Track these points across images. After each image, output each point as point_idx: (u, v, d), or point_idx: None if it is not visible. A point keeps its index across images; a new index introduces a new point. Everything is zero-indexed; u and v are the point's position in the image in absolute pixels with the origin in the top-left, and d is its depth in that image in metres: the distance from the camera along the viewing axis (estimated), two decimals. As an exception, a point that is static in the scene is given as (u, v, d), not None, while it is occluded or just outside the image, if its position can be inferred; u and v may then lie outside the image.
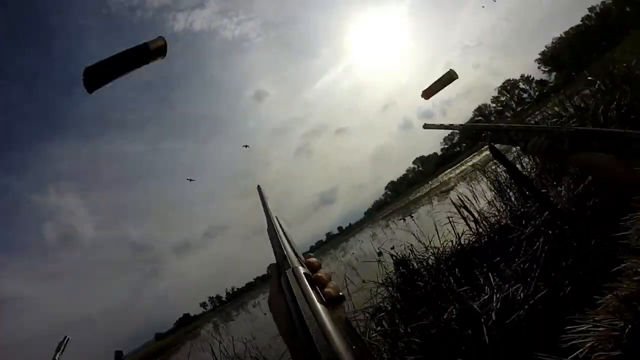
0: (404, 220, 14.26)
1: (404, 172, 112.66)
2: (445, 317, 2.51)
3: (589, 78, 5.04)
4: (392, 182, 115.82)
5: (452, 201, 4.27)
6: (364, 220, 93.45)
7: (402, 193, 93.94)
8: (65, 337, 1.97)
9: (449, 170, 45.93)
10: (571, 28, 60.65)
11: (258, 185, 0.82)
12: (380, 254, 4.92)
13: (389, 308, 3.30)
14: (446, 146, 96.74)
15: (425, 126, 1.76)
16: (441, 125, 1.71)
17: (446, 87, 2.21)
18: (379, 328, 2.98)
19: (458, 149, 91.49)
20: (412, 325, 2.62)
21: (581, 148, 1.19)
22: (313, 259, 0.54)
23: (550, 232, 2.67)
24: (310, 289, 0.45)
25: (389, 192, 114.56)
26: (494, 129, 1.48)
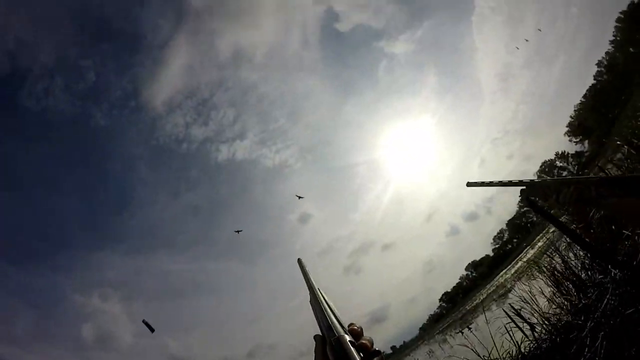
0: (462, 332, 13.76)
1: (458, 280, 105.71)
2: None
3: (617, 143, 5.17)
4: (445, 293, 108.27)
5: (504, 311, 4.08)
6: (419, 337, 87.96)
7: (458, 303, 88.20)
8: None
9: (504, 272, 43.59)
10: (587, 90, 59.76)
11: (299, 259, 0.84)
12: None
13: None
14: (497, 246, 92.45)
15: (469, 184, 1.84)
16: (482, 182, 1.78)
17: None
18: None
19: (510, 246, 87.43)
20: None
21: (608, 195, 1.27)
22: (355, 326, 0.57)
23: (611, 321, 2.50)
24: (355, 355, 0.48)
25: (444, 304, 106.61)
26: (528, 185, 1.58)
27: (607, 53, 54.04)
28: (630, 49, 45.51)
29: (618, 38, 50.72)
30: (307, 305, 0.69)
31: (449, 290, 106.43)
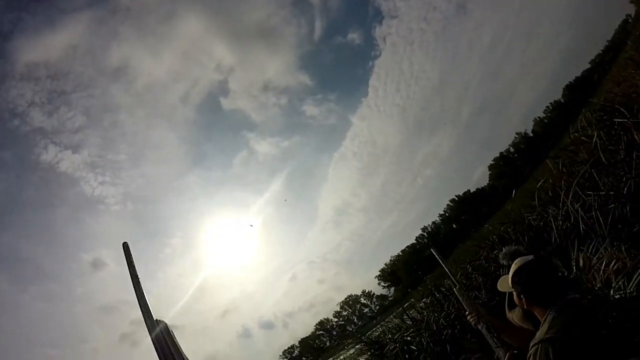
0: None
1: None
2: None
3: (421, 293, 6.24)
4: None
5: None
6: None
7: None
8: None
9: None
10: (407, 246, 73.32)
11: (125, 243, 0.81)
12: None
13: None
14: (286, 358, 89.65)
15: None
16: None
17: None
18: None
19: None
20: None
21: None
22: None
23: None
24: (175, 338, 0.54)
25: None
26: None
27: (434, 222, 71.05)
28: (454, 225, 63.28)
29: (447, 214, 68.62)
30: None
31: None
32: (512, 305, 2.23)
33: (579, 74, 56.88)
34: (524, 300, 1.65)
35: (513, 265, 1.74)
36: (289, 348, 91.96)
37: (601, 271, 2.76)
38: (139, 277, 0.69)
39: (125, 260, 0.76)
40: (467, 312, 2.26)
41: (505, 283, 1.80)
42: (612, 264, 2.74)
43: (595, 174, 3.92)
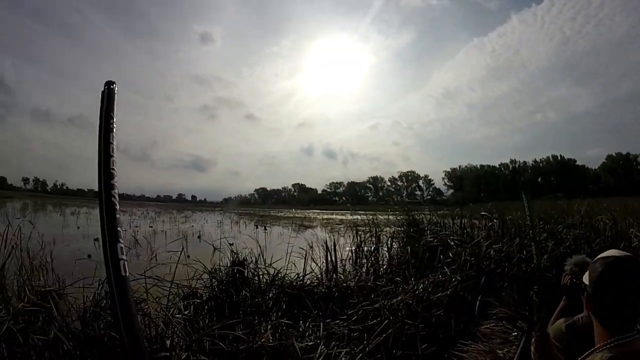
0: (257, 227, 13.93)
1: (280, 188, 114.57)
2: (262, 339, 2.34)
3: (482, 213, 5.27)
4: (263, 189, 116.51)
5: (308, 241, 4.22)
6: (218, 204, 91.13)
7: (267, 204, 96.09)
8: None
9: (318, 211, 46.02)
10: (488, 165, 71.02)
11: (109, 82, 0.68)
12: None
13: (204, 298, 3.14)
14: (329, 190, 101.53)
15: None
16: None
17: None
18: (186, 312, 2.83)
19: (337, 199, 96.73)
20: (218, 327, 2.42)
21: None
22: None
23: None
24: None
25: (256, 196, 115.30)
26: None
27: (524, 162, 68.41)
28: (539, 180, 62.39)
29: (541, 165, 65.77)
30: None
31: (268, 189, 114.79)
32: (565, 313, 1.83)
33: None
34: (591, 306, 1.17)
35: (601, 256, 1.20)
36: (336, 183, 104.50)
37: None
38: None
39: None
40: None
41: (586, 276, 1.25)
42: None
43: None
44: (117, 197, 0.60)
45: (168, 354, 2.02)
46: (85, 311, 2.30)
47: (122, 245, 0.59)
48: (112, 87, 0.66)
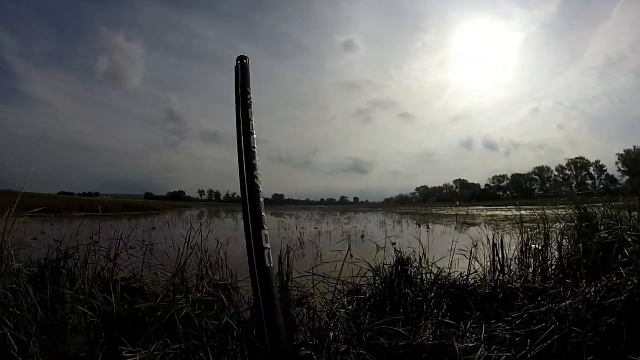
0: (419, 226, 13.06)
1: (441, 185, 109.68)
2: (422, 337, 2.27)
3: None
4: (424, 187, 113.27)
5: (472, 240, 3.91)
6: (380, 205, 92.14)
7: (429, 202, 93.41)
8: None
9: (482, 208, 41.78)
10: None
11: (242, 56, 0.65)
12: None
13: (367, 295, 3.09)
14: (492, 185, 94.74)
15: None
16: None
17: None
18: (349, 307, 2.84)
19: (501, 193, 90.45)
20: (380, 323, 2.38)
21: None
22: None
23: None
24: None
25: (417, 194, 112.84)
26: None
27: None
28: None
29: None
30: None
31: (429, 187, 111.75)
32: None
33: None
34: None
35: None
36: (499, 176, 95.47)
37: None
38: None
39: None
40: None
41: None
42: None
43: None
44: (260, 178, 0.54)
45: (310, 351, 2.08)
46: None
47: (267, 233, 0.52)
48: (244, 61, 0.62)
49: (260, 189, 0.55)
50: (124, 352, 1.75)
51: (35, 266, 2.63)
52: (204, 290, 2.61)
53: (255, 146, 0.57)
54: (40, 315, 2.09)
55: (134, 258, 3.01)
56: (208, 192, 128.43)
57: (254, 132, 0.58)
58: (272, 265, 0.51)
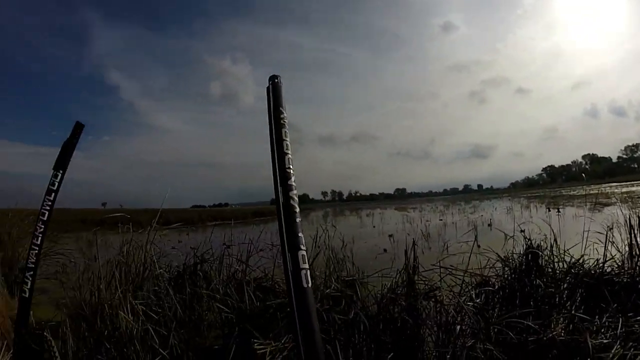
0: (549, 210, 12.75)
1: (569, 162, 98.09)
2: (553, 332, 2.16)
3: None
4: (551, 167, 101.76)
5: (607, 222, 3.41)
6: (506, 190, 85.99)
7: (557, 182, 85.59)
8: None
9: (616, 184, 36.97)
10: None
11: (275, 75, 0.63)
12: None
13: (496, 286, 2.96)
14: (625, 156, 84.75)
15: None
16: None
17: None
18: (477, 300, 2.74)
19: (635, 165, 79.16)
20: (508, 316, 2.31)
21: None
22: None
23: None
24: None
25: (544, 175, 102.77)
26: None
27: None
28: None
29: None
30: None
31: (556, 165, 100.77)
32: None
33: None
34: None
35: None
36: (632, 145, 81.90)
37: None
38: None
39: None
40: None
41: None
42: None
43: None
44: (296, 199, 0.54)
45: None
46: (382, 297, 2.58)
47: (304, 253, 0.52)
48: (276, 81, 0.62)
49: (297, 210, 0.55)
50: (255, 344, 1.92)
51: (175, 271, 3.03)
52: (332, 286, 2.72)
53: (291, 166, 0.58)
54: (179, 312, 2.44)
55: (264, 259, 3.23)
56: (330, 192, 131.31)
57: (289, 152, 0.59)
58: (309, 285, 0.51)
